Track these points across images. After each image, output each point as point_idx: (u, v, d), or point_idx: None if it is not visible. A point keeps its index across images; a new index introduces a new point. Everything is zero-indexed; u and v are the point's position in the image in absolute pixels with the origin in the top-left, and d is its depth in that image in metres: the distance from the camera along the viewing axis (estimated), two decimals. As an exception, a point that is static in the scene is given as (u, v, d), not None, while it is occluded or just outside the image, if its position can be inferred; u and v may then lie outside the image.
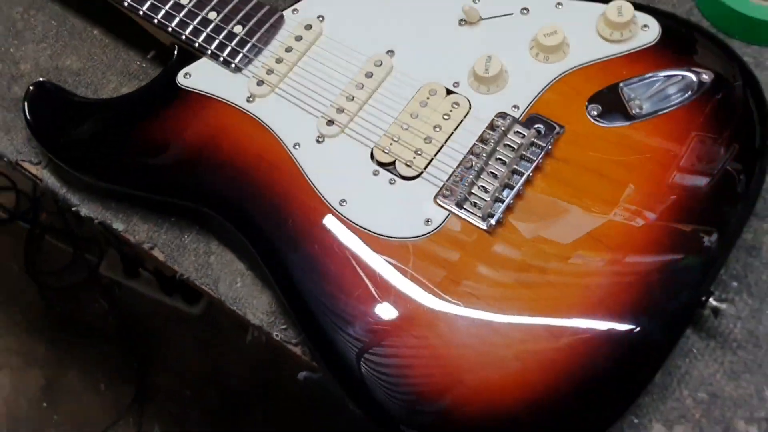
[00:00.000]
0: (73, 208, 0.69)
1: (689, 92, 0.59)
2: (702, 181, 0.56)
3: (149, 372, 1.48)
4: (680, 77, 0.59)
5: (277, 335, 0.62)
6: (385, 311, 0.55)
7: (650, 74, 0.60)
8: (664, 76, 0.59)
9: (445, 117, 0.61)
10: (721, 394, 0.56)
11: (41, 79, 0.69)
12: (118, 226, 0.67)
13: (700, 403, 0.56)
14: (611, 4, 0.61)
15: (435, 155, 0.60)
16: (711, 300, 0.54)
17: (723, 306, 0.54)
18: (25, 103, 0.67)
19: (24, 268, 1.56)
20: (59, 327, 1.53)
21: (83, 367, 1.50)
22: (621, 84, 0.60)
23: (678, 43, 0.62)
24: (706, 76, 0.59)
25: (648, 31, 0.62)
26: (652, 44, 0.61)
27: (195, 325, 1.51)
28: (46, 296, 1.53)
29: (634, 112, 0.59)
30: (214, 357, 1.49)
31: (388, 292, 0.56)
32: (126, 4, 0.68)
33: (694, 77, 0.59)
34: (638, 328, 0.53)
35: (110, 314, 1.53)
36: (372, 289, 0.56)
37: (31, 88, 0.68)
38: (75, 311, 1.54)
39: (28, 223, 1.59)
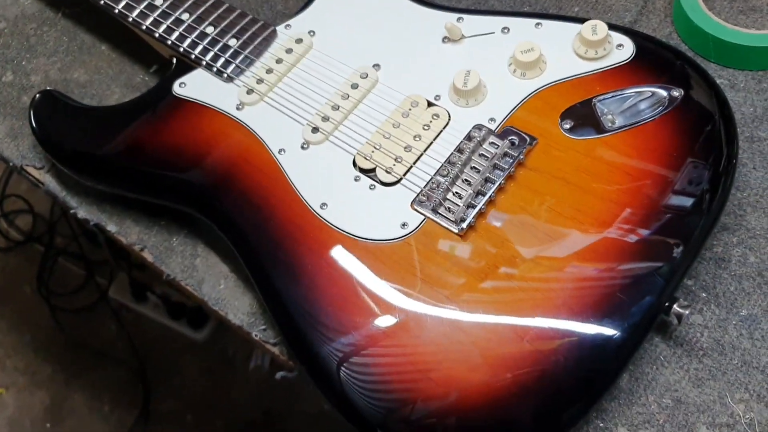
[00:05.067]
0: (71, 211, 0.72)
1: (660, 107, 0.61)
2: (667, 193, 0.58)
3: (153, 396, 1.50)
4: (651, 93, 0.61)
5: (256, 335, 0.64)
6: (359, 310, 0.57)
7: (623, 90, 0.62)
8: (636, 92, 0.62)
9: (425, 127, 0.63)
10: (686, 400, 0.57)
11: (47, 88, 0.73)
12: (111, 228, 0.70)
13: (664, 409, 0.57)
14: (586, 23, 0.63)
15: (414, 163, 0.62)
16: (675, 306, 0.55)
17: (686, 312, 0.55)
18: (31, 110, 0.70)
19: (36, 290, 1.59)
20: (67, 348, 1.56)
21: (89, 388, 1.52)
22: (594, 99, 0.62)
23: (651, 61, 0.64)
24: (676, 93, 0.61)
25: (623, 50, 0.64)
26: (626, 62, 0.63)
27: (200, 351, 1.53)
28: (57, 318, 1.56)
29: (606, 126, 0.61)
30: (217, 383, 1.50)
31: (361, 292, 0.57)
32: (131, 19, 0.72)
33: (664, 93, 0.61)
34: (601, 330, 0.54)
35: (118, 337, 1.55)
36: (346, 289, 0.58)
37: (37, 95, 0.71)
38: (84, 333, 1.57)
39: (43, 245, 1.63)
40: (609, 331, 0.54)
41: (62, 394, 1.51)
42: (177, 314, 1.51)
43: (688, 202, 0.58)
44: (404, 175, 0.62)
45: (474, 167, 0.61)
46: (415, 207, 0.60)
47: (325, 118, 0.65)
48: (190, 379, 1.51)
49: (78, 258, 1.59)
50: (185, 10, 0.71)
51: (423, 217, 0.60)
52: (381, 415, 0.55)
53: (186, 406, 1.49)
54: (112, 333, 1.56)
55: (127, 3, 0.72)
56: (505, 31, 0.67)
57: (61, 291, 1.59)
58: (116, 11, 0.73)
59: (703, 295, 0.60)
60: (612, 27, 0.64)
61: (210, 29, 0.70)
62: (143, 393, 1.49)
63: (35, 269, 1.61)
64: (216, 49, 0.69)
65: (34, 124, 0.70)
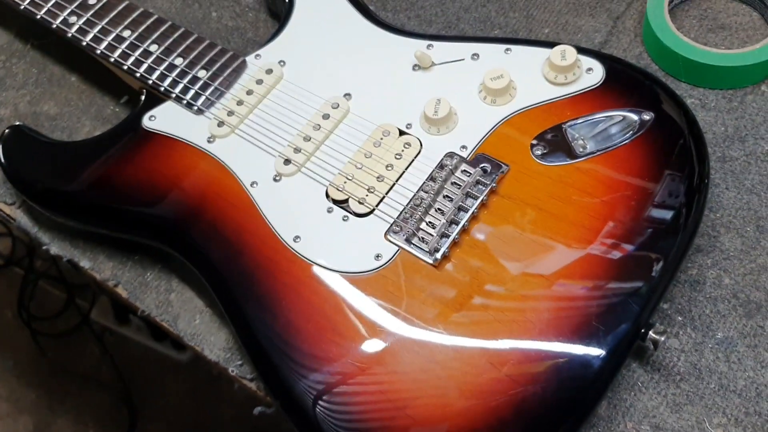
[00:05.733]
0: (44, 247, 0.71)
1: (631, 131, 0.61)
2: (641, 216, 0.58)
3: (139, 418, 1.48)
4: (622, 117, 0.61)
5: (233, 371, 0.63)
6: (333, 344, 0.56)
7: (593, 115, 0.62)
8: (607, 116, 0.62)
9: (397, 157, 0.63)
10: (664, 426, 0.56)
11: (16, 123, 0.72)
12: (85, 264, 0.69)
13: (643, 436, 0.56)
14: (555, 48, 0.63)
15: (387, 193, 0.62)
16: (651, 332, 0.55)
17: (662, 338, 0.55)
18: (0, 146, 0.70)
19: (17, 314, 1.57)
20: (50, 373, 1.54)
21: (73, 413, 1.50)
22: (564, 125, 0.62)
23: (621, 84, 0.64)
24: (647, 116, 0.61)
25: (592, 74, 0.64)
26: (596, 87, 0.63)
27: (185, 371, 1.51)
28: (39, 342, 1.54)
29: (578, 151, 0.61)
30: (203, 403, 1.49)
31: (336, 326, 0.57)
32: (99, 51, 0.71)
33: (635, 117, 0.61)
34: (578, 357, 0.53)
35: (101, 360, 1.53)
36: (320, 323, 0.57)
37: (6, 131, 0.70)
38: (67, 357, 1.55)
39: (23, 269, 1.61)
40: (586, 357, 0.53)
41: (46, 420, 1.50)
42: (160, 335, 1.50)
43: (662, 224, 0.58)
44: (377, 205, 0.61)
45: (447, 196, 0.60)
46: (389, 238, 0.60)
47: (297, 150, 0.64)
48: (175, 400, 1.50)
49: (59, 281, 1.58)
50: (153, 42, 0.70)
51: (397, 248, 0.59)
52: None
53: (172, 428, 1.47)
54: (95, 356, 1.54)
55: (94, 35, 0.72)
56: (475, 57, 0.66)
57: (43, 315, 1.57)
58: (84, 44, 0.72)
59: (679, 318, 0.60)
60: (581, 51, 0.64)
61: (179, 60, 0.69)
62: (129, 416, 1.47)
63: (16, 293, 1.59)
64: (185, 81, 0.68)
65: (2, 160, 0.69)
